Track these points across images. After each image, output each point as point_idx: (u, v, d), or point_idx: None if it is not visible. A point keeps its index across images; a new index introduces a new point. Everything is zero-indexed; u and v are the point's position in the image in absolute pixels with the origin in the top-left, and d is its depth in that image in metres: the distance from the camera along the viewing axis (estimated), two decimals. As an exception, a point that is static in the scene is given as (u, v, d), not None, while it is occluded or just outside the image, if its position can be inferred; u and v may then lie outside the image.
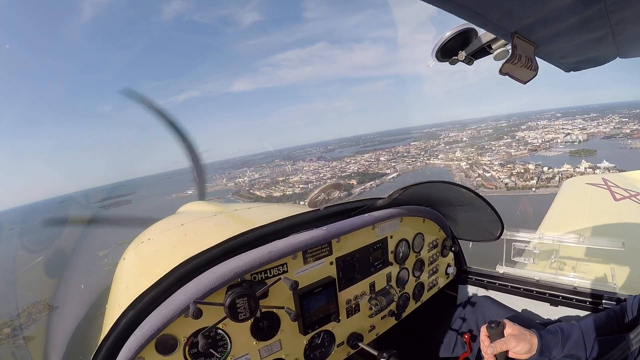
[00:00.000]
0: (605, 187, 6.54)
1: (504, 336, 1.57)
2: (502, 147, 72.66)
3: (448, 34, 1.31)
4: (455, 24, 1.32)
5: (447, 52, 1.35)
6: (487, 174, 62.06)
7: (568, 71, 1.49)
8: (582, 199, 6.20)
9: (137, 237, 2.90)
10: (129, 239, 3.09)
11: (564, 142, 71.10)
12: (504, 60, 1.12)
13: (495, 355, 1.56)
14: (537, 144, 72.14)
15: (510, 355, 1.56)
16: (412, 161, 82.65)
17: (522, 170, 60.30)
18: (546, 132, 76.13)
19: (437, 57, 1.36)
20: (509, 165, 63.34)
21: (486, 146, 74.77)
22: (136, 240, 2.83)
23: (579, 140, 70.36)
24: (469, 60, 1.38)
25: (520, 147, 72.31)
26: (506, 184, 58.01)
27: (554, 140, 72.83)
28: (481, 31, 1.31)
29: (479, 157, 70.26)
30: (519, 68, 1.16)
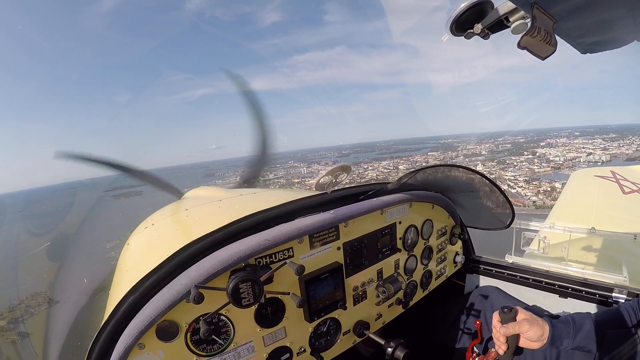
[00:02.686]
0: (614, 180, 6.47)
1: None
2: (523, 163, 70.62)
3: (463, 5, 1.23)
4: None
5: (462, 25, 1.27)
6: (513, 190, 59.39)
7: (584, 53, 1.43)
8: (591, 191, 6.13)
9: (141, 223, 2.88)
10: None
11: (587, 162, 68.70)
12: (522, 34, 1.06)
13: (507, 341, 1.53)
14: (560, 162, 70.36)
15: (522, 342, 1.54)
16: (433, 172, 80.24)
17: (549, 189, 57.91)
18: (567, 151, 74.13)
19: (451, 30, 1.29)
20: (534, 183, 61.22)
21: (507, 161, 72.90)
22: (140, 225, 2.81)
23: (602, 160, 68.02)
24: (485, 34, 1.30)
25: (543, 164, 70.39)
26: (534, 202, 55.69)
27: (576, 159, 70.59)
28: (498, 3, 1.24)
29: (502, 172, 68.10)
30: (538, 42, 1.11)
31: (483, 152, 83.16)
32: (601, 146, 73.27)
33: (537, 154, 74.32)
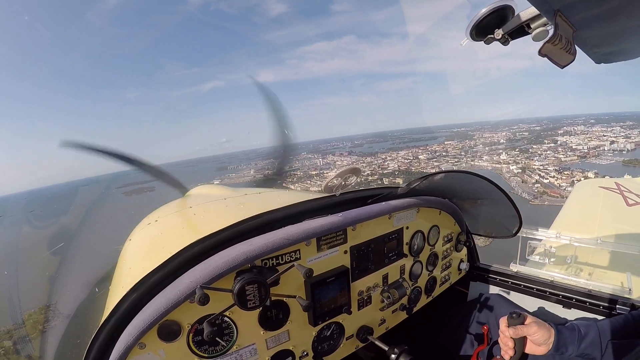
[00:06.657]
0: (618, 191, 6.48)
1: None
2: (548, 152, 68.92)
3: (484, 10, 1.21)
4: (489, 1, 1.24)
5: (482, 30, 1.25)
6: (545, 181, 57.49)
7: (599, 62, 1.41)
8: (595, 202, 6.13)
9: (144, 219, 2.85)
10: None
11: (612, 150, 67.45)
12: (543, 41, 1.05)
13: (514, 346, 1.56)
14: (585, 151, 68.29)
15: (528, 346, 1.56)
16: (456, 161, 76.33)
17: (583, 178, 57.44)
18: (588, 139, 71.96)
19: (471, 35, 1.27)
20: (566, 172, 59.20)
21: (530, 150, 71.20)
22: (143, 221, 2.77)
23: (627, 149, 66.66)
24: (504, 40, 1.28)
25: (568, 152, 68.52)
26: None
27: (600, 148, 69.01)
28: (519, 9, 1.22)
29: (529, 162, 66.38)
30: (559, 50, 1.09)
31: (502, 141, 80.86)
32: (622, 134, 71.20)
33: (559, 142, 72.45)
